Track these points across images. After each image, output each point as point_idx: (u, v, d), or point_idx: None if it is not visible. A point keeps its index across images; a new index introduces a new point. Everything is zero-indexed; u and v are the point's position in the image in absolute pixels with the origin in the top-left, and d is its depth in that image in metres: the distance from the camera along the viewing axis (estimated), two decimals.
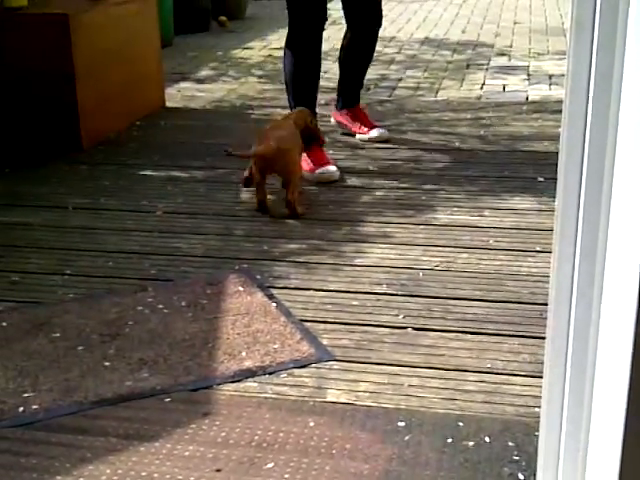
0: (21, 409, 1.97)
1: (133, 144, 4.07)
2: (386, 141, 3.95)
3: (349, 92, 4.03)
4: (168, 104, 4.76)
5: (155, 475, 1.74)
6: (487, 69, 5.62)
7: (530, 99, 4.80)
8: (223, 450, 1.81)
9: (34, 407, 1.97)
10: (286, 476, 1.73)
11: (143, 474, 1.74)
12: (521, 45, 6.40)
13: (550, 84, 5.13)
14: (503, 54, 6.11)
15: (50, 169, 3.71)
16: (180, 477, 1.73)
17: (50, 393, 2.03)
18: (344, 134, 4.04)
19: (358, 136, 3.98)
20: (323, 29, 3.63)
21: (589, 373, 1.27)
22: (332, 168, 3.48)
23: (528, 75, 5.40)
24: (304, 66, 3.68)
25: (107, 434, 1.88)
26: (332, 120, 4.14)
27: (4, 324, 2.36)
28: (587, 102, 1.19)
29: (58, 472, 1.76)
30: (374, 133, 3.98)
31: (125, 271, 2.70)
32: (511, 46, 6.39)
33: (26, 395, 2.02)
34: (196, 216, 3.14)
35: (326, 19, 3.61)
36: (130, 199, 3.35)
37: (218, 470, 1.75)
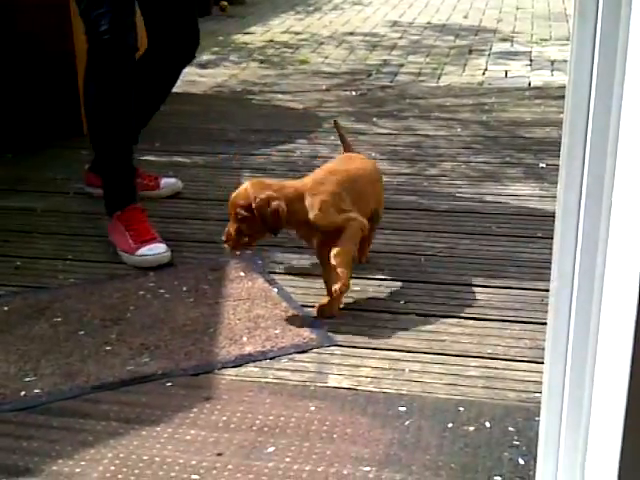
0: (23, 393, 1.97)
1: None
2: (178, 194, 3.18)
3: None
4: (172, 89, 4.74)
5: (157, 459, 1.74)
6: (489, 55, 5.60)
7: (532, 85, 4.79)
8: (224, 434, 1.82)
9: (36, 391, 1.98)
10: (287, 460, 1.73)
11: (144, 458, 1.75)
12: (524, 30, 6.37)
13: (552, 70, 5.12)
14: (505, 40, 6.08)
15: (51, 154, 3.70)
16: (181, 461, 1.74)
17: (52, 377, 2.03)
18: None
19: (146, 193, 3.02)
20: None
21: (590, 358, 1.27)
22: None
23: (530, 61, 5.38)
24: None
25: (109, 418, 1.88)
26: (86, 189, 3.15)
27: (6, 308, 2.36)
28: (590, 89, 1.18)
29: (60, 456, 1.76)
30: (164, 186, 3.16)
31: None
32: (514, 31, 6.36)
33: (28, 379, 2.03)
34: (198, 201, 3.14)
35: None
36: None
37: (219, 454, 1.76)
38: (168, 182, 3.20)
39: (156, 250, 2.59)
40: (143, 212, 2.72)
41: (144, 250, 2.59)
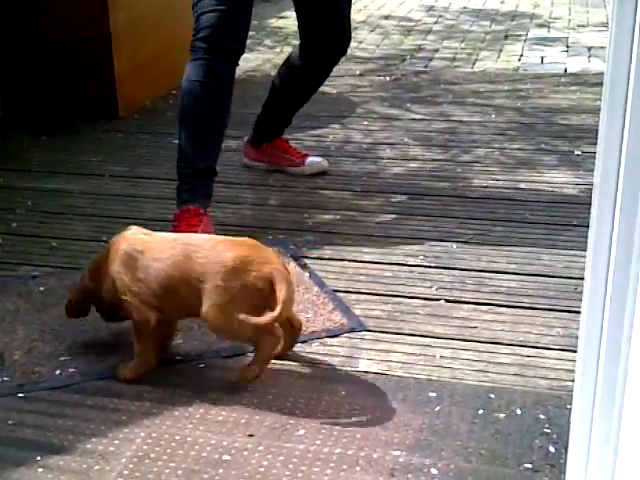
0: (58, 372, 2.00)
1: (169, 113, 4.08)
2: (324, 173, 3.24)
3: (271, 127, 3.25)
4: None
5: (188, 439, 1.76)
6: (525, 40, 5.54)
7: (569, 71, 4.73)
8: (255, 416, 1.83)
9: (70, 370, 2.01)
10: (317, 442, 1.75)
11: (177, 438, 1.77)
12: (561, 16, 6.29)
13: (589, 56, 5.05)
14: (542, 25, 6.02)
15: (86, 137, 3.74)
16: (213, 441, 1.76)
17: (86, 357, 2.06)
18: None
19: (290, 169, 3.25)
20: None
21: (624, 347, 1.26)
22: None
23: (567, 47, 5.32)
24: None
25: (142, 398, 1.91)
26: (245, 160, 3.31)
27: (41, 289, 2.39)
28: (628, 76, 1.17)
29: (94, 434, 1.79)
30: (308, 164, 3.26)
31: None
32: (550, 17, 6.29)
33: (62, 359, 2.06)
34: (231, 185, 3.15)
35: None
36: (166, 167, 3.36)
37: (250, 435, 1.77)
38: (313, 161, 3.25)
39: None
40: (199, 216, 2.62)
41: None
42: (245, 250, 1.89)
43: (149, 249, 1.94)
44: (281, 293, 1.81)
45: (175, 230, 2.54)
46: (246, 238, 1.97)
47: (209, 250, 1.89)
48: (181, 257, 1.90)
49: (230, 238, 1.97)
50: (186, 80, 2.66)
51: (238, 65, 2.68)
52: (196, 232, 2.47)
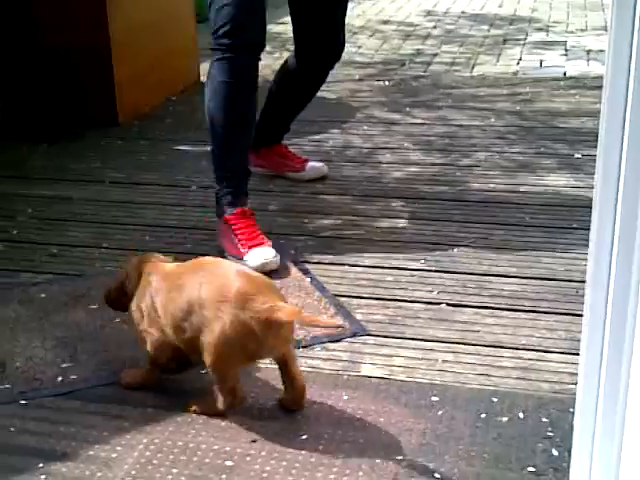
0: (60, 379, 2.00)
1: (169, 119, 4.09)
2: (324, 178, 3.24)
3: (270, 132, 3.21)
4: (203, 79, 4.75)
5: (191, 445, 1.76)
6: (524, 44, 5.55)
7: (568, 75, 4.74)
8: (258, 421, 1.83)
9: (72, 377, 2.01)
10: (320, 447, 1.75)
11: (179, 444, 1.77)
12: (559, 20, 6.31)
13: (588, 60, 5.06)
14: (541, 29, 6.03)
15: (86, 144, 3.74)
16: (216, 447, 1.75)
17: (88, 363, 2.06)
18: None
19: (290, 174, 3.24)
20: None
21: (627, 350, 1.26)
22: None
23: (566, 50, 5.33)
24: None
25: (144, 404, 1.90)
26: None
27: (43, 295, 2.39)
28: (628, 79, 1.17)
29: (96, 441, 1.79)
30: (308, 170, 3.24)
31: (161, 245, 2.72)
32: (549, 21, 6.30)
33: (64, 365, 2.06)
34: None
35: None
36: (166, 174, 3.37)
37: (254, 441, 1.77)
38: (314, 166, 3.25)
39: (265, 254, 2.52)
40: (252, 215, 2.66)
41: (252, 254, 2.52)
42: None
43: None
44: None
45: (237, 234, 2.57)
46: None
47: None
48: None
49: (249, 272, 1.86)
50: (212, 81, 2.64)
51: (261, 60, 2.65)
52: (257, 232, 2.56)
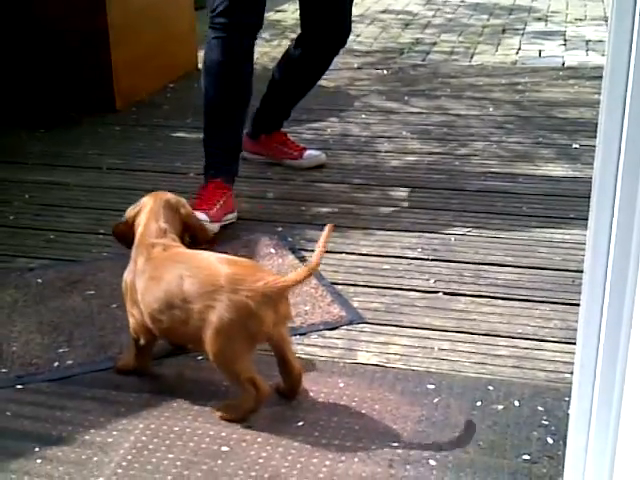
0: (56, 364, 2.00)
1: (166, 106, 4.08)
2: (322, 166, 3.23)
3: (270, 119, 3.22)
4: (201, 66, 4.75)
5: (187, 430, 1.77)
6: (523, 34, 5.54)
7: (566, 65, 4.73)
8: None
9: (69, 362, 2.01)
10: (315, 434, 1.75)
11: (175, 429, 1.77)
12: (558, 10, 6.29)
13: (587, 50, 5.06)
14: (540, 19, 6.01)
15: (84, 130, 3.73)
16: (212, 433, 1.76)
17: (84, 349, 2.06)
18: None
19: (288, 162, 3.24)
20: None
21: (623, 339, 1.26)
22: None
23: (565, 40, 5.32)
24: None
25: (140, 390, 1.91)
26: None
27: (39, 281, 2.39)
28: (628, 69, 1.17)
29: (92, 426, 1.79)
30: (306, 158, 3.24)
31: None
32: (548, 11, 6.29)
33: (61, 350, 2.06)
34: None
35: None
36: (164, 161, 3.36)
37: (249, 427, 1.78)
38: (311, 154, 3.24)
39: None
40: (227, 191, 2.75)
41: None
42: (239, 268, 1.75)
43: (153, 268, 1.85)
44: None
45: (195, 201, 2.62)
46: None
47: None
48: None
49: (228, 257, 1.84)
50: (207, 59, 2.70)
51: (257, 39, 2.67)
52: (214, 206, 2.64)
